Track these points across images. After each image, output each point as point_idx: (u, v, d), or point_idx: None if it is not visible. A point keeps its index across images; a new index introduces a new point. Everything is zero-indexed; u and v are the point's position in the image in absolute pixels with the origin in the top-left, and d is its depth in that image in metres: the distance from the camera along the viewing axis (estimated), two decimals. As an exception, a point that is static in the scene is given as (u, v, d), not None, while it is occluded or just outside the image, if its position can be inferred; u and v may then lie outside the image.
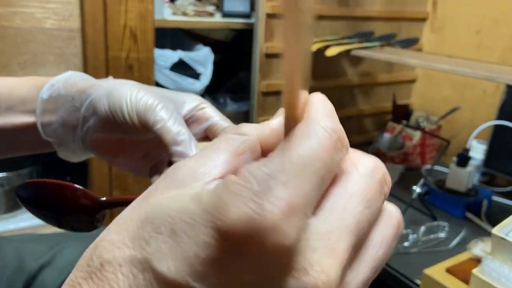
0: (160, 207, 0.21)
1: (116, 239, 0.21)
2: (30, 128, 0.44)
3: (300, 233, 0.19)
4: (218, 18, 1.47)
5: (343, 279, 0.20)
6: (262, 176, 0.19)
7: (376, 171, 0.22)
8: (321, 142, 0.20)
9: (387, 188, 0.23)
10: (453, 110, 1.42)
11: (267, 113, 1.34)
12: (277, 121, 0.26)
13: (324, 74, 1.41)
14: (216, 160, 0.23)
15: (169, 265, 0.19)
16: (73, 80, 0.43)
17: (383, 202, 0.23)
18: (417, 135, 1.46)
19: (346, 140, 0.22)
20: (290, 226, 0.18)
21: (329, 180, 0.21)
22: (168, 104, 0.38)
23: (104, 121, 0.40)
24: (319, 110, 0.22)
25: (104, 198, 0.40)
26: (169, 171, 0.23)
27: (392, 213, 0.23)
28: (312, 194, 0.20)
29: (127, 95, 0.38)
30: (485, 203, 1.18)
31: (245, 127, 0.25)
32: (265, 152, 0.25)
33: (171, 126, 0.37)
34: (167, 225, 0.20)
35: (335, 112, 0.23)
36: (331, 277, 0.19)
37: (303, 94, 0.23)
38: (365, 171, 0.22)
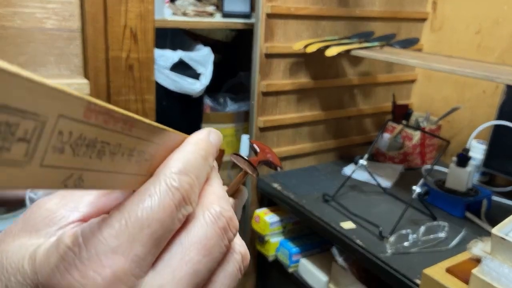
0: (3, 258, 0.20)
1: None
2: None
3: None
4: (218, 18, 1.47)
5: None
6: (93, 240, 0.19)
7: (220, 218, 0.22)
8: (161, 202, 0.20)
9: (232, 234, 0.22)
10: (453, 110, 1.42)
11: (267, 113, 1.34)
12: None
13: (324, 74, 1.41)
14: (79, 201, 0.22)
15: None
16: None
17: (227, 246, 0.22)
18: (417, 135, 1.46)
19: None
20: None
21: (168, 238, 0.20)
22: None
23: None
24: (174, 162, 0.21)
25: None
26: (29, 209, 0.22)
27: (236, 248, 0.23)
28: (146, 256, 0.19)
29: None
30: (484, 203, 1.18)
31: None
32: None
33: None
34: (3, 280, 0.20)
35: (201, 160, 0.22)
36: None
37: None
38: (209, 219, 0.22)
